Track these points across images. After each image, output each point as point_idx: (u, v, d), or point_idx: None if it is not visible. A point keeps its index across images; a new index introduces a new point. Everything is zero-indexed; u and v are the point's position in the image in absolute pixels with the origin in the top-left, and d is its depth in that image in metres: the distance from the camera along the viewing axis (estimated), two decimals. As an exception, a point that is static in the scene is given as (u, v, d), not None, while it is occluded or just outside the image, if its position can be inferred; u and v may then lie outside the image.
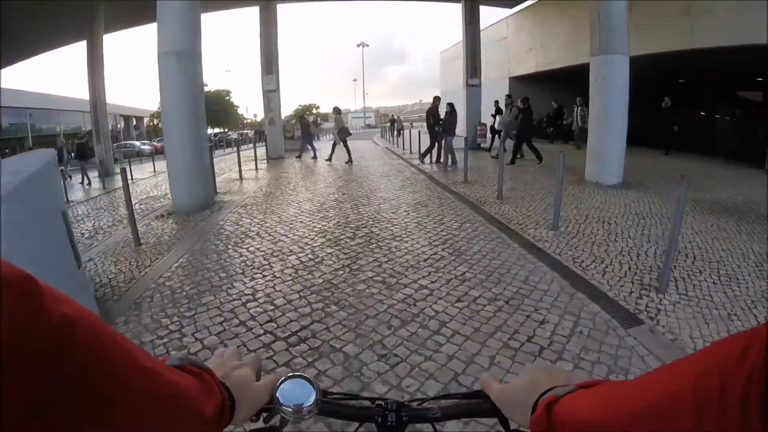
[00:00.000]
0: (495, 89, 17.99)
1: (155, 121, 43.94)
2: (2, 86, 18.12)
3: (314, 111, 67.02)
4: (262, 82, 15.99)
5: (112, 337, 0.36)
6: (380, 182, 9.37)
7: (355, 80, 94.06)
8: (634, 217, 5.80)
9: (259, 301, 3.57)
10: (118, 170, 6.34)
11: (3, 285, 0.27)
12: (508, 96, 13.42)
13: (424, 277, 3.90)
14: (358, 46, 71.76)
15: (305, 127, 15.87)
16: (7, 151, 21.67)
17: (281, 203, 7.40)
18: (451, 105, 11.72)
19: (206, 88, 45.30)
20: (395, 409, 0.61)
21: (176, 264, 4.65)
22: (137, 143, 29.86)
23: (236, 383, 0.54)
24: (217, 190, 8.81)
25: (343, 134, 13.73)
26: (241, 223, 6.21)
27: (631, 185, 7.99)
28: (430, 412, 0.61)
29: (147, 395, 0.38)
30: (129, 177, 13.53)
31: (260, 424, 0.59)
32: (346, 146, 13.41)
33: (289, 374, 0.58)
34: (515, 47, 20.06)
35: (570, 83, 19.62)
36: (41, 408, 0.29)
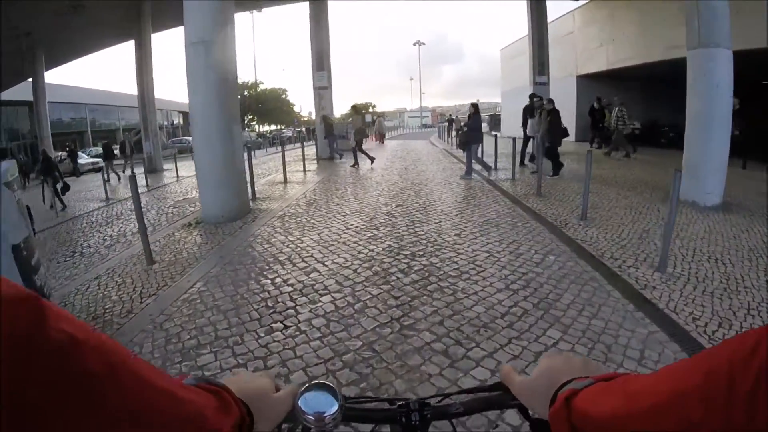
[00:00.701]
0: (560, 89, 16.24)
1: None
2: (60, 82, 18.56)
3: (371, 110, 66.42)
4: (313, 79, 15.28)
5: (123, 359, 0.35)
6: (440, 192, 8.13)
7: (411, 79, 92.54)
8: (749, 255, 4.34)
9: (271, 371, 2.55)
10: (167, 167, 5.84)
11: (4, 304, 0.28)
12: (534, 96, 11.53)
13: (503, 346, 2.74)
14: (414, 44, 70.02)
15: (328, 128, 14.39)
16: (67, 144, 22.27)
17: (324, 215, 6.42)
18: (474, 106, 10.31)
19: (261, 87, 46.11)
20: (418, 408, 0.60)
21: (185, 295, 3.76)
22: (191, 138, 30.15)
23: (253, 396, 0.53)
24: (256, 195, 8.02)
25: (359, 135, 12.73)
26: (273, 240, 5.27)
27: (732, 207, 6.35)
28: (452, 408, 0.61)
29: (162, 417, 0.37)
30: (175, 174, 13.62)
31: None
32: (359, 149, 12.43)
33: (310, 383, 0.56)
34: (583, 43, 18.15)
35: (646, 83, 17.65)
36: None
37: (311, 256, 4.63)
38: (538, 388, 0.53)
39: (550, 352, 0.61)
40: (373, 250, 4.72)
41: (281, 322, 3.16)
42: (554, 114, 9.44)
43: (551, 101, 9.67)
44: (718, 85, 6.51)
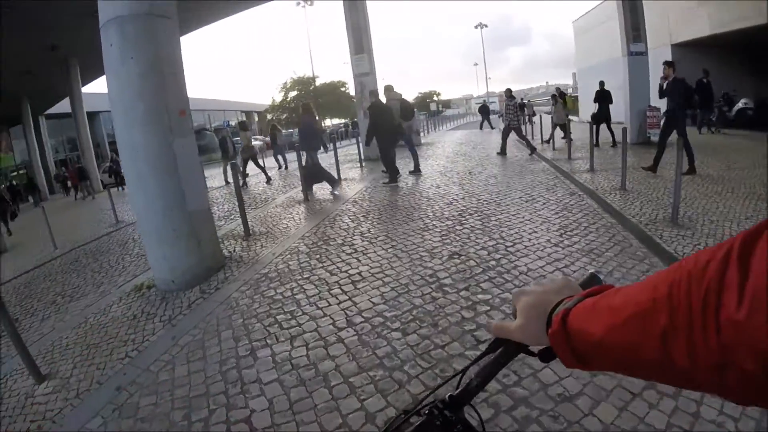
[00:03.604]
0: (651, 63, 13.56)
1: (269, 116, 44.97)
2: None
3: (435, 98, 64.16)
4: (352, 65, 13.03)
5: None
6: (528, 220, 5.03)
7: (476, 64, 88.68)
8: None
9: None
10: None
11: None
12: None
13: None
14: (476, 27, 65.76)
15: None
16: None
17: (338, 277, 3.92)
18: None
19: (318, 81, 45.96)
20: (448, 404, 0.62)
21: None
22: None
23: None
24: (249, 231, 5.78)
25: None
26: (232, 346, 3.07)
27: None
28: (470, 385, 0.63)
29: None
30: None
31: None
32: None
33: None
34: (677, 4, 15.11)
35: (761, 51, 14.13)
36: None
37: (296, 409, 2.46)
38: (533, 322, 0.56)
39: (522, 288, 0.61)
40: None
41: None
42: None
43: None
44: None
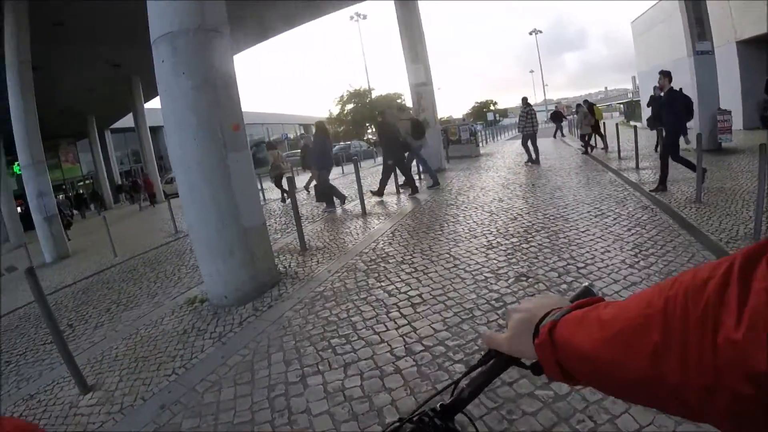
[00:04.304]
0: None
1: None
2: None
3: (492, 107, 62.97)
4: (408, 75, 12.79)
5: None
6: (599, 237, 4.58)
7: (531, 71, 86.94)
8: None
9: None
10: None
11: None
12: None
13: None
14: (531, 33, 64.34)
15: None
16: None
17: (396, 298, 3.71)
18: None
19: (374, 93, 46.19)
20: (439, 413, 0.63)
21: None
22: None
23: None
24: (306, 245, 5.68)
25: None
26: (282, 370, 2.97)
27: None
28: (462, 395, 0.64)
29: None
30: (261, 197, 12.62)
31: None
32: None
33: None
34: (741, -4, 13.69)
35: None
36: None
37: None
38: (520, 333, 0.55)
39: (514, 305, 0.61)
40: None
41: None
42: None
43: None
44: None
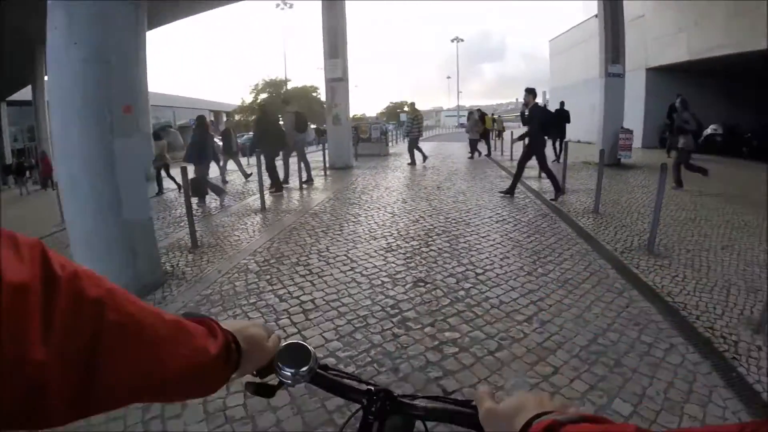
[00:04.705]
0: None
1: (236, 117, 42.78)
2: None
3: (405, 108, 63.46)
4: (325, 69, 12.58)
5: (114, 287, 0.41)
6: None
7: (448, 77, 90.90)
8: None
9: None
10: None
11: (23, 247, 0.35)
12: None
13: None
14: (453, 41, 65.89)
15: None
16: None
17: (288, 304, 3.56)
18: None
19: (290, 84, 44.91)
20: (382, 397, 0.62)
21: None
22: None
23: (247, 337, 0.57)
24: (197, 243, 5.17)
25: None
26: None
27: None
28: (414, 409, 0.62)
29: (156, 334, 0.43)
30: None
31: (257, 380, 0.63)
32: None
33: (292, 340, 0.64)
34: (657, 28, 15.17)
35: (747, 79, 14.10)
36: (74, 359, 0.35)
37: None
38: (504, 419, 0.51)
39: (525, 391, 0.59)
40: None
41: None
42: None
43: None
44: None
